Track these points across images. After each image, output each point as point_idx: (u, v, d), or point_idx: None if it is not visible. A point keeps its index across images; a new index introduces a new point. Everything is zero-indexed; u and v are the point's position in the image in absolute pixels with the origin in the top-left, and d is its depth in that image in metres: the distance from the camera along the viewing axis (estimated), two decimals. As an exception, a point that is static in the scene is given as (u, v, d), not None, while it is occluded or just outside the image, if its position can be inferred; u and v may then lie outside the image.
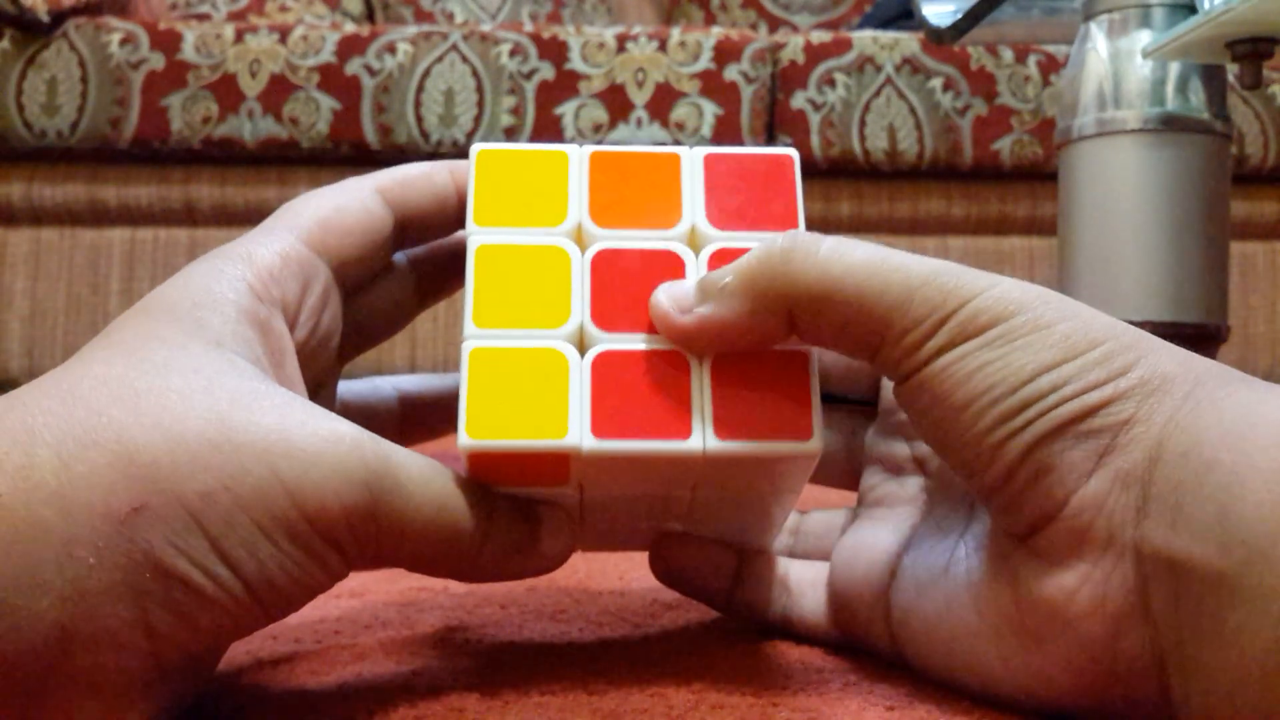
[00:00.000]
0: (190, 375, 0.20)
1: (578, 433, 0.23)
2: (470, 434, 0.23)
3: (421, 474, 0.22)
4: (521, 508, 0.24)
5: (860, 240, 0.23)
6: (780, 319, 0.23)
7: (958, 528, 0.25)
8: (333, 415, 0.21)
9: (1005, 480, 0.21)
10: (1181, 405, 0.20)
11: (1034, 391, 0.21)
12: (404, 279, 0.29)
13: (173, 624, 0.19)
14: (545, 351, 0.23)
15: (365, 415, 0.29)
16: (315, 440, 0.20)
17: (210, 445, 0.19)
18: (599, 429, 0.23)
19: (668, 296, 0.24)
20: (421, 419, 0.31)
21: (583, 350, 0.24)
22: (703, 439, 0.23)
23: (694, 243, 0.25)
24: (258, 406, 0.20)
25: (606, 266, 0.25)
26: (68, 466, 0.18)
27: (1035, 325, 0.21)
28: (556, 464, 0.23)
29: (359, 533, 0.21)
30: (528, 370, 0.23)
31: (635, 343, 0.24)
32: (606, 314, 0.24)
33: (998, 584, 0.22)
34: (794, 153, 0.26)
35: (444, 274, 0.30)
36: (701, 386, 0.24)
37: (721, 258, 0.25)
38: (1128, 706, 0.21)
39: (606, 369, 0.23)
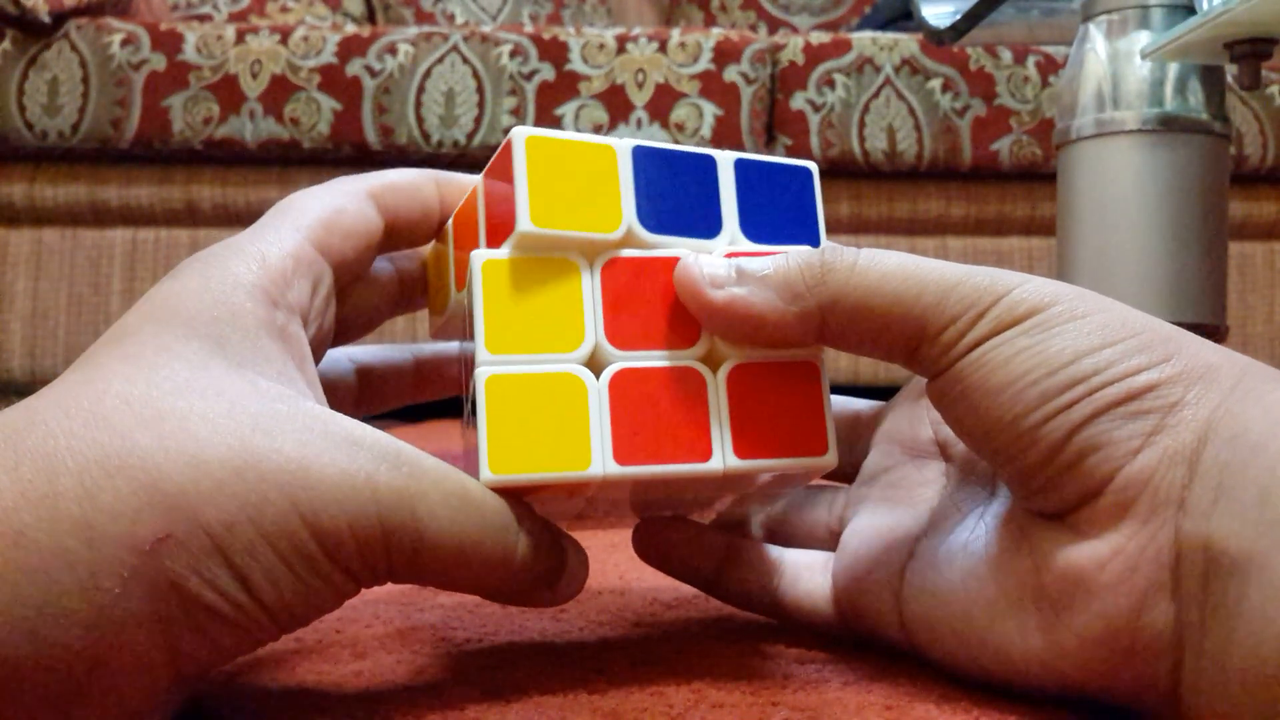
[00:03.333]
0: (213, 398, 0.20)
1: (600, 462, 0.23)
2: (494, 469, 0.22)
3: (445, 505, 0.21)
4: (550, 542, 0.24)
5: (892, 250, 0.23)
6: (811, 325, 0.23)
7: (978, 509, 0.25)
8: (352, 437, 0.21)
9: (1047, 460, 0.21)
10: (1230, 394, 0.20)
11: (1077, 373, 0.21)
12: (383, 282, 0.29)
13: (195, 646, 0.19)
14: (562, 377, 0.23)
15: (325, 390, 0.29)
16: (332, 472, 0.20)
17: (234, 473, 0.19)
18: (620, 455, 0.23)
19: (699, 268, 0.24)
20: (377, 391, 0.31)
21: (597, 367, 0.24)
22: (723, 459, 0.23)
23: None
24: (279, 432, 0.20)
25: (617, 278, 0.24)
26: (92, 496, 0.18)
27: (1072, 315, 0.22)
28: (577, 488, 0.23)
29: (370, 560, 0.21)
30: (546, 397, 0.23)
31: (651, 360, 0.24)
32: (620, 331, 0.24)
33: (1019, 554, 0.22)
34: (813, 165, 0.26)
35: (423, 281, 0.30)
36: (718, 403, 0.24)
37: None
38: (1138, 687, 0.21)
39: (624, 388, 0.23)
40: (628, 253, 0.24)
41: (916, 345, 0.23)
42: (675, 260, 0.24)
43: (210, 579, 0.19)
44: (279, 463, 0.20)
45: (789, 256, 0.24)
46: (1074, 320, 0.22)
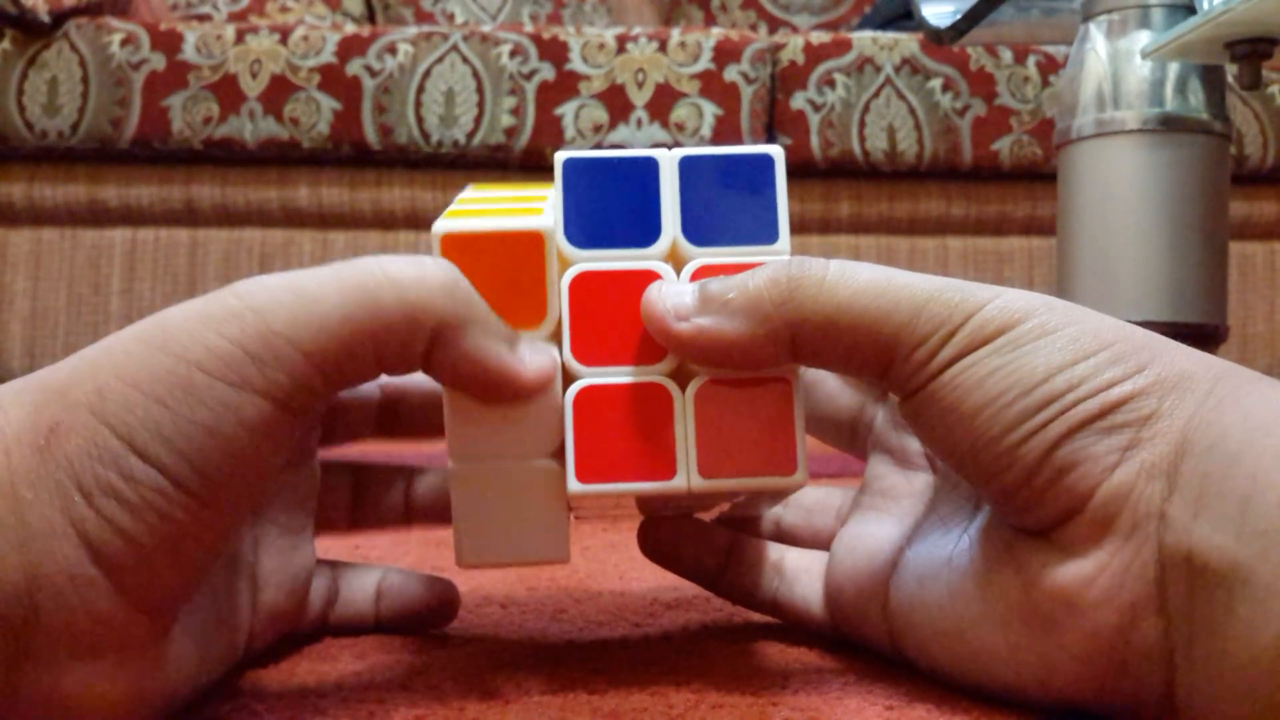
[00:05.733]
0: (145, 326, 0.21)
1: (550, 220, 0.23)
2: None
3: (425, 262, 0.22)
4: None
5: (863, 262, 0.23)
6: (781, 344, 0.22)
7: (962, 523, 0.25)
8: None
9: (1026, 480, 0.21)
10: (1205, 401, 0.20)
11: (1050, 391, 0.21)
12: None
13: (116, 545, 0.18)
14: (522, 233, 0.24)
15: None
16: (283, 292, 0.20)
17: (122, 352, 0.20)
18: (583, 474, 0.23)
19: (662, 298, 0.23)
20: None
21: (564, 385, 0.23)
22: (687, 479, 0.23)
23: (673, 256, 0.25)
24: (195, 307, 0.20)
25: (585, 292, 0.24)
26: (6, 410, 0.19)
27: (1042, 330, 0.21)
28: (531, 250, 0.23)
29: (274, 344, 0.20)
30: (502, 221, 0.24)
31: (617, 376, 0.23)
32: (587, 346, 0.23)
33: (1005, 572, 0.22)
34: (777, 151, 0.25)
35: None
36: (685, 421, 0.23)
37: (705, 275, 0.24)
38: (1131, 701, 0.21)
39: (588, 406, 0.23)
40: (596, 266, 0.24)
41: (888, 364, 0.22)
42: (644, 273, 0.24)
43: (99, 456, 0.19)
44: (178, 322, 0.20)
45: (755, 274, 0.23)
46: (1045, 336, 0.21)
